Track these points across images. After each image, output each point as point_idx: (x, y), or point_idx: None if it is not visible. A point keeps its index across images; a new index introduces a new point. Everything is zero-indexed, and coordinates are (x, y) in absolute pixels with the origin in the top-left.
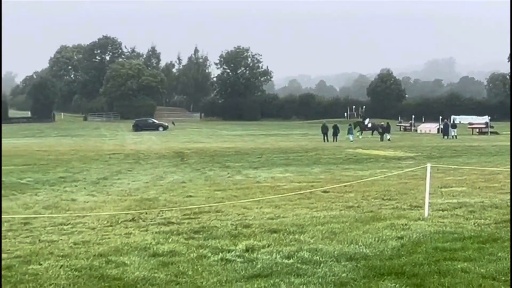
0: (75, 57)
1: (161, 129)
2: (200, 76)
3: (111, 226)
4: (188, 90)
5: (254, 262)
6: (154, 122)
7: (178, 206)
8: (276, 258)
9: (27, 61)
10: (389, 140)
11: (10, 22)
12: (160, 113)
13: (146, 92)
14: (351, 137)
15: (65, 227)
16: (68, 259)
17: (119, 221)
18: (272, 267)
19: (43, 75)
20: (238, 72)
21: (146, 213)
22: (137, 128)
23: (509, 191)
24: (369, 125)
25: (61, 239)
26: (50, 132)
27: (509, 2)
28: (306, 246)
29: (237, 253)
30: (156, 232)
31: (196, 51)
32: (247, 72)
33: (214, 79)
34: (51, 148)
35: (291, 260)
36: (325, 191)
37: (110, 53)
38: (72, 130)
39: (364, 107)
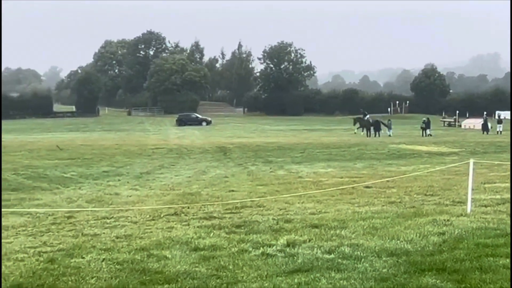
0: (119, 52)
1: (204, 123)
2: (243, 71)
3: (153, 220)
4: (231, 85)
5: (295, 257)
6: (197, 116)
7: (220, 200)
8: (317, 253)
9: (72, 56)
10: (430, 135)
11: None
12: (203, 108)
13: (189, 87)
14: (389, 132)
15: (108, 221)
16: (110, 253)
17: (162, 215)
18: (312, 262)
19: (88, 70)
20: (282, 67)
21: (189, 208)
22: (181, 122)
23: None
24: (371, 120)
25: (103, 233)
26: (94, 127)
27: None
28: (347, 241)
29: (278, 248)
30: (198, 227)
31: (239, 46)
32: (291, 67)
33: (257, 74)
34: (95, 143)
35: (332, 255)
36: (367, 187)
37: (154, 48)
38: (116, 125)
39: (408, 102)
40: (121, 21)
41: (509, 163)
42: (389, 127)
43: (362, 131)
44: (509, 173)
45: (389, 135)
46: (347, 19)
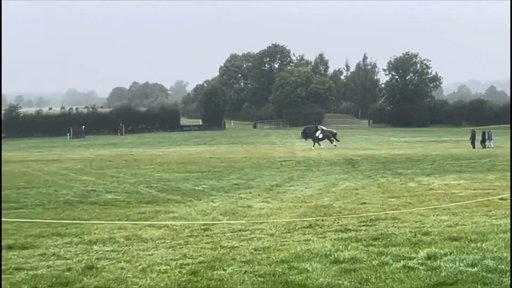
0: (245, 65)
1: None
2: (368, 82)
3: (289, 232)
4: (356, 96)
5: (438, 270)
6: (322, 129)
7: (353, 213)
8: (459, 266)
9: (198, 70)
10: (489, 147)
11: (180, 33)
12: (328, 120)
13: (314, 99)
14: (488, 144)
15: (244, 233)
16: (250, 265)
17: (297, 228)
18: (456, 275)
19: (214, 84)
20: (407, 78)
21: (323, 220)
22: (306, 135)
23: None
24: (320, 136)
25: (241, 245)
26: (221, 140)
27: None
28: (489, 254)
29: (419, 261)
30: (334, 239)
31: (364, 57)
32: (416, 78)
33: (383, 85)
34: (223, 155)
35: (476, 269)
36: (502, 199)
37: (279, 61)
38: (242, 138)
39: None
40: (246, 34)
41: None
42: (489, 138)
43: (317, 144)
44: None
45: (489, 147)
46: (472, 28)
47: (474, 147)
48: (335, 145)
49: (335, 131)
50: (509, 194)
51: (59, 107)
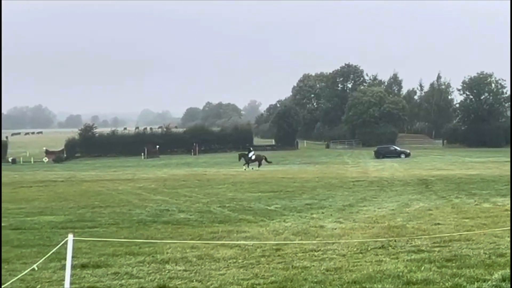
0: (318, 86)
1: (402, 156)
2: (442, 102)
3: (361, 253)
4: (430, 116)
5: None
6: (396, 149)
7: (426, 233)
8: None
9: (270, 90)
10: None
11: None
12: (401, 140)
13: (387, 119)
14: None
15: (316, 254)
16: (322, 285)
17: (369, 248)
18: None
19: (287, 104)
20: (481, 98)
21: (395, 241)
22: (379, 155)
23: None
24: (253, 157)
25: (313, 266)
26: (294, 160)
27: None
28: None
29: (494, 283)
30: (407, 260)
31: (438, 77)
32: (491, 97)
33: (457, 105)
34: (295, 175)
35: None
36: None
37: (352, 81)
38: (315, 158)
39: None
40: (318, 55)
41: None
42: None
43: (248, 166)
44: None
45: None
46: None
47: None
48: (257, 169)
49: (408, 151)
50: None
51: (133, 127)
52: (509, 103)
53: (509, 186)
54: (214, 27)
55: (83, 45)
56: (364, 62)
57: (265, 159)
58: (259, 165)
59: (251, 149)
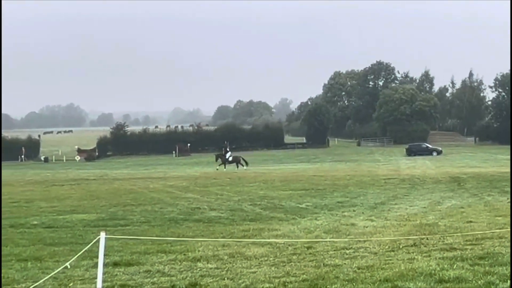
0: (349, 83)
1: (434, 153)
2: (474, 99)
3: (393, 251)
4: (462, 114)
5: None
6: (427, 146)
7: (459, 231)
8: None
9: (301, 88)
10: None
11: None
12: (433, 138)
13: (419, 117)
14: None
15: (347, 252)
16: (354, 284)
17: (401, 246)
18: None
19: (318, 101)
20: None
21: (427, 239)
22: (410, 152)
23: None
24: (230, 158)
25: (344, 263)
26: (325, 157)
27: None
28: None
29: None
30: (439, 258)
31: (470, 74)
32: None
33: (489, 102)
34: (326, 173)
35: None
36: None
37: (384, 79)
38: (346, 155)
39: None
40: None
41: None
42: None
43: (225, 167)
44: None
45: None
46: None
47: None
48: (236, 170)
49: (440, 148)
50: None
51: (165, 125)
52: None
53: None
54: (244, 27)
55: (115, 44)
56: (395, 60)
57: (243, 160)
58: (237, 166)
59: (228, 149)
